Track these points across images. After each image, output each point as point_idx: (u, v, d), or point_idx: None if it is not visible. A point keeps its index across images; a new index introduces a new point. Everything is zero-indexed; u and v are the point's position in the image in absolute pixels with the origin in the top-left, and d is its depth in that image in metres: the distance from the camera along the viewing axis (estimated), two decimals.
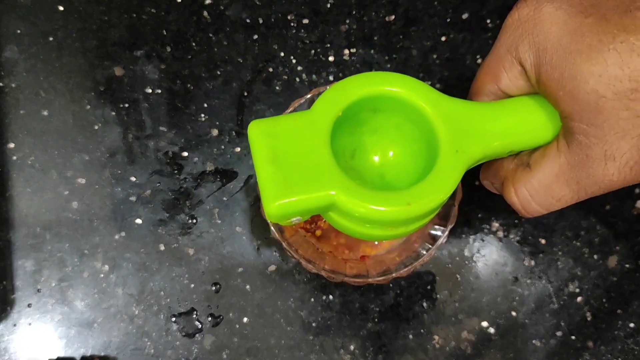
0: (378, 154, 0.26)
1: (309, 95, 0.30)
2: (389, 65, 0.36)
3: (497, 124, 0.23)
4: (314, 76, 0.36)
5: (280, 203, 0.21)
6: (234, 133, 0.35)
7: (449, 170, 0.22)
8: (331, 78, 0.36)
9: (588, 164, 0.21)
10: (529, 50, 0.21)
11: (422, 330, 0.34)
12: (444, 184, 0.22)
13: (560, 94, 0.20)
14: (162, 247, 0.34)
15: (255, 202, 0.35)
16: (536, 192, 0.23)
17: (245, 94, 0.36)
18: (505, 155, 0.25)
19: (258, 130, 0.22)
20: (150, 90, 0.35)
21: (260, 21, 0.36)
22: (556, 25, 0.20)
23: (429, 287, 0.34)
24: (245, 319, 0.34)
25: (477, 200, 0.35)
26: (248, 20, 0.36)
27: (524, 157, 0.24)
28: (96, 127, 0.35)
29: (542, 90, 0.22)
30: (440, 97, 0.23)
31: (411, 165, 0.25)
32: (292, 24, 0.36)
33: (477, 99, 0.25)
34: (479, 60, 0.36)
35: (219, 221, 0.35)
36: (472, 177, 0.35)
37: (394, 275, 0.30)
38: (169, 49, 0.36)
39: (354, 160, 0.25)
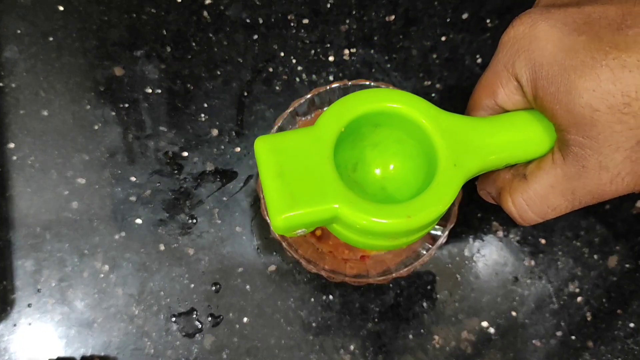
0: (379, 167, 0.26)
1: (309, 95, 0.30)
2: (388, 65, 0.36)
3: (494, 138, 0.24)
4: (314, 76, 0.36)
5: (287, 216, 0.21)
6: (234, 133, 0.35)
7: (448, 184, 0.23)
8: (331, 78, 0.36)
9: (584, 174, 0.22)
10: (525, 67, 0.22)
11: (422, 330, 0.34)
12: (442, 197, 0.22)
13: (557, 107, 0.21)
14: (162, 247, 0.34)
15: (255, 202, 0.35)
16: (532, 202, 0.24)
17: (245, 94, 0.36)
18: (502, 168, 0.25)
19: (264, 146, 0.22)
20: (150, 90, 0.35)
21: (260, 21, 0.36)
22: (551, 43, 0.21)
23: (429, 287, 0.34)
24: (245, 319, 0.34)
25: (477, 200, 0.35)
26: (248, 20, 0.36)
27: (519, 168, 0.25)
28: (96, 127, 0.35)
29: (538, 104, 0.22)
30: (439, 113, 0.23)
31: (411, 178, 0.26)
32: (292, 24, 0.36)
33: (475, 114, 0.25)
34: (479, 60, 0.36)
35: (219, 221, 0.35)
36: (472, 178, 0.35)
37: (394, 275, 0.30)
38: (169, 49, 0.36)
39: (356, 173, 0.26)
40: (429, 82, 0.36)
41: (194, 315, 0.34)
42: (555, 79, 0.21)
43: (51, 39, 0.35)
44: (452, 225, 0.30)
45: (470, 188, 0.34)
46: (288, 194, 0.22)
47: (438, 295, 0.34)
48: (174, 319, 0.34)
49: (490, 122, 0.24)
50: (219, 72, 0.36)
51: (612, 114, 0.20)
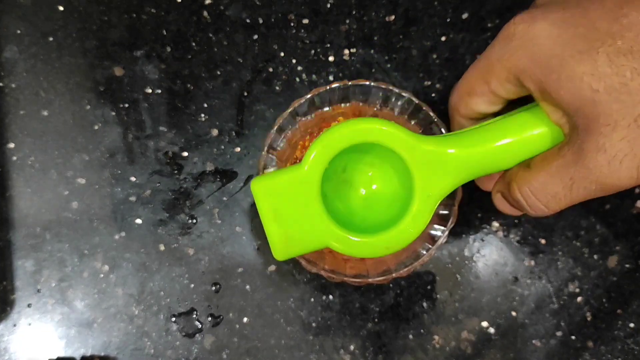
0: (367, 167, 0.29)
1: (309, 95, 0.30)
2: (388, 65, 0.36)
3: (475, 151, 0.25)
4: (314, 76, 0.36)
5: (286, 256, 0.26)
6: (233, 133, 0.35)
7: (422, 213, 0.26)
8: (331, 78, 0.36)
9: (582, 156, 0.22)
10: (525, 62, 0.23)
11: (422, 330, 0.34)
12: (416, 226, 0.26)
13: (562, 92, 0.22)
14: (162, 247, 0.34)
15: (255, 203, 0.35)
16: (537, 191, 0.24)
17: (245, 94, 0.36)
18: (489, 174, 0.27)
19: (260, 191, 0.26)
20: (150, 90, 0.35)
21: (260, 21, 0.36)
22: (550, 39, 0.22)
23: (429, 287, 0.34)
24: (245, 319, 0.34)
25: (477, 200, 0.35)
26: (248, 20, 0.36)
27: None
28: (96, 127, 0.35)
29: (544, 95, 0.23)
30: (416, 143, 0.25)
31: (394, 178, 0.28)
32: (292, 24, 0.36)
33: (471, 99, 0.27)
34: None
35: (219, 221, 0.35)
36: None
37: (393, 275, 0.30)
38: (168, 49, 0.36)
39: (345, 173, 0.28)
40: (429, 82, 0.36)
41: (194, 315, 0.34)
42: (555, 68, 0.22)
43: (51, 39, 0.35)
44: (452, 225, 0.30)
45: (470, 188, 0.34)
46: (284, 237, 0.26)
47: (438, 295, 0.34)
48: (174, 319, 0.34)
49: (467, 137, 0.25)
50: (219, 72, 0.36)
51: (609, 93, 0.21)
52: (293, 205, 0.26)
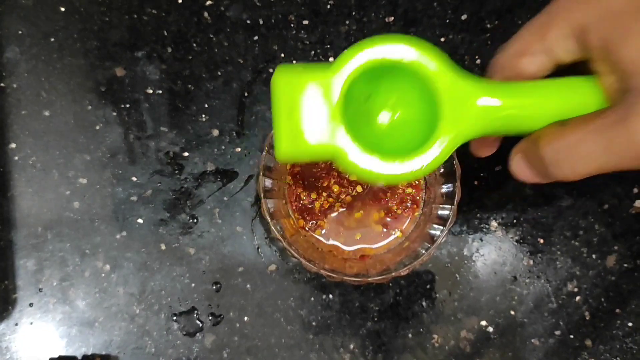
0: (391, 98, 0.27)
1: None
2: None
3: (511, 107, 0.24)
4: None
5: (289, 156, 0.24)
6: (234, 133, 0.35)
7: (438, 150, 0.24)
8: None
9: (627, 119, 0.21)
10: (593, 14, 0.22)
11: (421, 330, 0.34)
12: (428, 163, 0.24)
13: (625, 51, 0.21)
14: (163, 247, 0.35)
15: (255, 202, 0.35)
16: (569, 147, 0.23)
17: (246, 94, 0.36)
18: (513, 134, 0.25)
19: (281, 82, 0.24)
20: (151, 91, 0.36)
21: (261, 22, 0.36)
22: None
23: (428, 287, 0.35)
24: (245, 318, 0.34)
25: (477, 200, 0.35)
26: (248, 21, 0.36)
27: None
28: (97, 128, 0.35)
29: (607, 50, 0.22)
30: (456, 77, 0.24)
31: (418, 112, 0.27)
32: (292, 25, 0.36)
33: (520, 59, 0.25)
34: (478, 61, 0.36)
35: (220, 221, 0.35)
36: (472, 177, 0.35)
37: (393, 274, 0.30)
38: (169, 50, 0.36)
39: (368, 103, 0.27)
40: None
41: (195, 315, 0.34)
42: (624, 24, 0.21)
43: (52, 39, 0.36)
44: (451, 225, 0.30)
45: (470, 188, 0.34)
46: (293, 136, 0.24)
47: (437, 295, 0.35)
48: (174, 318, 0.34)
49: (513, 88, 0.24)
50: (219, 73, 0.36)
51: None
52: (310, 104, 0.24)
